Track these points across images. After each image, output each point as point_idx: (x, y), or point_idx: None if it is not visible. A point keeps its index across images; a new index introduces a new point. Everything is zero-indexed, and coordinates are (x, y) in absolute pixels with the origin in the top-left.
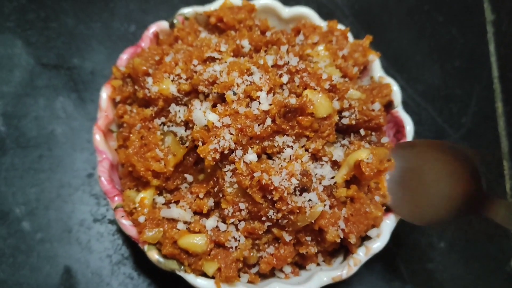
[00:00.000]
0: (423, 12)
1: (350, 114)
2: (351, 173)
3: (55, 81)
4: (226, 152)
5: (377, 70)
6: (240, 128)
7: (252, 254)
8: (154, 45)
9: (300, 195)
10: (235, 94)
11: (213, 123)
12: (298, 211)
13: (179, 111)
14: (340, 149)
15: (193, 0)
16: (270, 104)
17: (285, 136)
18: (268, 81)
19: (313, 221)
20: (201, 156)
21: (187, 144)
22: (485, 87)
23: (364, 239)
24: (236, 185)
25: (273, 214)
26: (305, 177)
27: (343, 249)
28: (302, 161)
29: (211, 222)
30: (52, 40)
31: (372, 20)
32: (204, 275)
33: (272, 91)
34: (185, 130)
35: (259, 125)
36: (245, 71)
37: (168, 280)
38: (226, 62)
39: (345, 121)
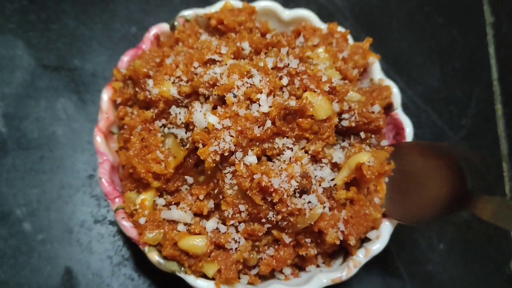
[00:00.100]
0: (423, 14)
1: (350, 116)
2: (351, 176)
3: (56, 83)
4: (226, 154)
5: (377, 72)
6: (240, 130)
7: (252, 255)
8: (155, 47)
9: (300, 197)
10: (235, 96)
11: (213, 125)
12: (297, 213)
13: (179, 113)
14: (340, 151)
15: (194, 2)
16: (270, 106)
17: (285, 138)
18: (268, 83)
19: (312, 223)
20: (201, 158)
21: (188, 146)
22: (484, 89)
23: (363, 241)
24: (236, 187)
25: (273, 216)
26: (304, 179)
27: (343, 251)
28: (302, 163)
29: (211, 223)
30: (53, 42)
31: (372, 22)
32: (204, 276)
33: (272, 93)
34: (186, 132)
35: (259, 127)
36: (245, 73)
37: (168, 281)
38: (226, 64)
39: (344, 123)
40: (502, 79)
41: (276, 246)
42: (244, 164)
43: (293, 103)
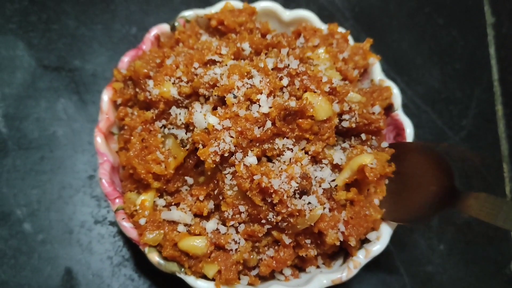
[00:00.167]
0: (423, 15)
1: (350, 117)
2: (353, 177)
3: (56, 83)
4: (226, 154)
5: (377, 73)
6: (240, 131)
7: (252, 256)
8: (155, 47)
9: (300, 198)
10: (235, 97)
11: (213, 126)
12: (297, 214)
13: (179, 113)
14: (341, 152)
15: (194, 2)
16: (270, 107)
17: (285, 138)
18: (268, 84)
19: (312, 224)
20: (202, 158)
21: (188, 146)
22: (485, 90)
23: (363, 242)
24: (236, 188)
25: (273, 217)
26: (304, 180)
27: (343, 252)
28: (302, 164)
29: (211, 224)
30: (54, 42)
31: (372, 23)
32: (205, 277)
33: (272, 94)
34: (186, 133)
35: (259, 128)
36: (245, 74)
37: (168, 282)
38: (226, 65)
39: (345, 124)
40: (503, 79)
41: (276, 247)
42: (244, 165)
43: (293, 103)
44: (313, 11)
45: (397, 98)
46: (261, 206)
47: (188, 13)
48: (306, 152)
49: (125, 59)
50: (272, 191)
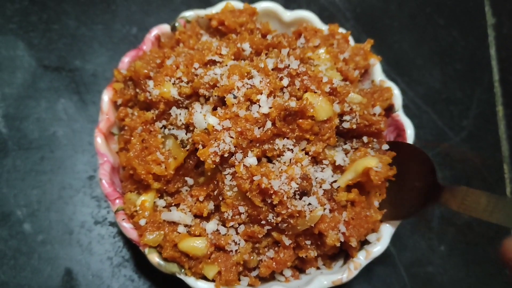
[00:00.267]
0: (424, 15)
1: (351, 118)
2: (357, 179)
3: (56, 83)
4: (226, 155)
5: (378, 73)
6: (240, 131)
7: (252, 257)
8: (155, 48)
9: (300, 199)
10: (235, 97)
11: (213, 126)
12: (297, 215)
13: (180, 114)
14: (342, 153)
15: (195, 3)
16: (270, 107)
17: (285, 139)
18: (268, 84)
19: (313, 225)
20: (201, 159)
21: (188, 147)
22: (486, 90)
23: (364, 243)
24: (236, 189)
25: (273, 218)
26: (305, 181)
27: (343, 253)
28: (302, 165)
29: (211, 225)
30: (54, 42)
31: (373, 24)
32: (205, 278)
33: (273, 94)
34: (186, 133)
35: (259, 128)
36: (245, 74)
37: (168, 282)
38: (226, 65)
39: (346, 125)
40: (503, 80)
41: (276, 248)
42: (244, 165)
43: (293, 104)
44: (314, 11)
45: (398, 99)
46: (261, 207)
47: (189, 14)
48: (307, 153)
49: (126, 60)
50: (272, 192)
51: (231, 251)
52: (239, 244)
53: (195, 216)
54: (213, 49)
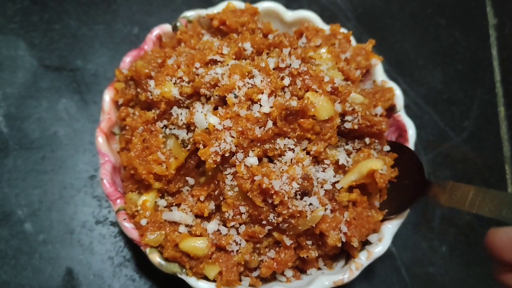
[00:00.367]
0: (426, 16)
1: (353, 119)
2: (361, 181)
3: (58, 83)
4: (227, 155)
5: (379, 74)
6: (241, 131)
7: (253, 258)
8: (157, 48)
9: (301, 199)
10: (236, 97)
11: (214, 126)
12: (298, 215)
13: (181, 113)
14: (344, 153)
15: (196, 2)
16: (271, 107)
17: (287, 138)
18: (269, 84)
19: (314, 225)
20: (202, 159)
21: (189, 147)
22: (487, 91)
23: (365, 243)
24: (236, 189)
25: (274, 218)
26: (306, 181)
27: (345, 253)
28: (303, 165)
29: (212, 225)
30: (55, 42)
31: (374, 24)
32: (206, 278)
33: (274, 94)
34: (187, 133)
35: (260, 127)
36: (247, 74)
37: (169, 282)
38: (228, 65)
39: (347, 125)
40: (505, 81)
41: (277, 248)
42: (244, 165)
43: (294, 103)
44: (315, 11)
45: (400, 99)
46: (262, 207)
47: (190, 13)
48: (308, 153)
49: (127, 59)
50: (273, 192)
51: (232, 251)
52: (240, 244)
53: (196, 216)
54: (214, 49)
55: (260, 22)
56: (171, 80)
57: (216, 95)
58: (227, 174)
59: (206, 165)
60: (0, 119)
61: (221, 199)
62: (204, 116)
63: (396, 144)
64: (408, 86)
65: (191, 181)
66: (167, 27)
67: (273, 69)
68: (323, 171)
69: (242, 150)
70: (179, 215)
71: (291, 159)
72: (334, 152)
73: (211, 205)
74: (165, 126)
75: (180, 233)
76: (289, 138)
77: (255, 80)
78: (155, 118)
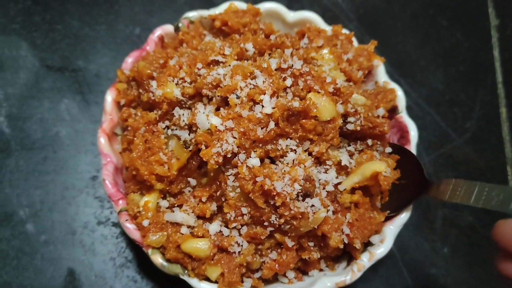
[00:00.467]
0: (427, 17)
1: (355, 120)
2: (364, 183)
3: (59, 83)
4: (229, 155)
5: (381, 75)
6: (243, 132)
7: (255, 259)
8: (159, 48)
9: (303, 200)
10: (238, 97)
11: (216, 127)
12: (300, 216)
13: (183, 114)
14: (346, 154)
15: (198, 3)
16: (273, 108)
17: (289, 139)
18: (271, 84)
19: (316, 226)
20: (204, 159)
21: (191, 148)
22: (489, 92)
23: (367, 244)
24: (238, 190)
25: (276, 219)
26: (308, 183)
27: (347, 255)
28: (305, 166)
29: (214, 226)
30: (57, 42)
31: (376, 25)
32: (208, 279)
33: (276, 95)
34: (189, 134)
35: (262, 128)
36: (249, 74)
37: (171, 283)
38: (230, 65)
39: (350, 126)
40: (507, 82)
41: (279, 250)
42: (246, 166)
43: (296, 104)
44: (317, 12)
45: (402, 101)
46: (263, 208)
47: (192, 14)
48: (310, 154)
49: (129, 60)
50: (274, 193)
51: (234, 252)
52: (242, 245)
53: (198, 217)
54: (216, 49)
55: (262, 22)
56: (173, 81)
57: (218, 96)
58: (229, 175)
59: (208, 166)
60: (2, 119)
61: (223, 200)
62: (206, 116)
63: (394, 146)
64: (410, 87)
65: (193, 182)
66: (169, 28)
67: (275, 69)
68: (325, 172)
69: (244, 151)
70: (181, 216)
71: (293, 160)
72: (336, 153)
73: (213, 206)
74: (167, 127)
75: (182, 234)
76: (291, 138)
77: (257, 81)
78: (157, 118)
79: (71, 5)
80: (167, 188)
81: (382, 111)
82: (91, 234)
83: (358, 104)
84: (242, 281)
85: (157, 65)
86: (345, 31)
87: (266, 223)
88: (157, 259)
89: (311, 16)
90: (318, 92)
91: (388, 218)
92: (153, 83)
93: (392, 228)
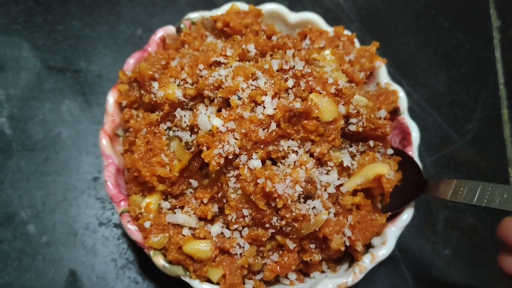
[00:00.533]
0: (429, 18)
1: (357, 121)
2: (366, 185)
3: (61, 84)
4: (230, 157)
5: (383, 76)
6: (244, 133)
7: (256, 261)
8: (160, 49)
9: (304, 202)
10: (239, 98)
11: (217, 128)
12: (302, 218)
13: (184, 115)
14: (348, 156)
15: (200, 4)
16: (275, 109)
17: (290, 140)
18: (273, 85)
19: (317, 229)
20: (206, 161)
21: (192, 149)
22: (491, 93)
23: (368, 246)
24: (240, 191)
25: (277, 221)
26: (309, 184)
27: (348, 256)
28: (306, 168)
29: (216, 228)
30: (59, 43)
31: (378, 26)
32: (209, 281)
33: (277, 96)
34: (191, 135)
35: (263, 129)
36: (250, 75)
37: (173, 285)
38: (231, 66)
39: (352, 127)
40: (508, 83)
41: (280, 252)
42: (248, 168)
43: (298, 105)
44: (318, 13)
45: (403, 102)
46: (265, 210)
47: (194, 15)
48: (311, 155)
49: (131, 61)
50: (276, 195)
51: (236, 254)
52: (243, 247)
53: (200, 218)
54: (218, 51)
55: (264, 24)
56: (174, 82)
57: (219, 97)
58: (231, 177)
59: (210, 167)
60: (3, 120)
61: (225, 201)
62: (207, 118)
63: (398, 151)
64: (411, 88)
65: (194, 183)
66: (170, 29)
67: (277, 70)
68: (327, 173)
69: (245, 152)
70: (182, 217)
71: (295, 162)
72: (338, 154)
73: (215, 208)
74: (169, 128)
75: (184, 235)
76: (292, 140)
77: (258, 82)
78: (159, 120)
79: (72, 6)
80: (169, 190)
81: (384, 112)
82: (92, 235)
83: (360, 105)
84: (244, 283)
85: (158, 66)
86: (347, 32)
87: (267, 225)
88: (159, 260)
89: (313, 17)
90: (320, 93)
91: (388, 219)
92: (155, 84)
93: (394, 230)
